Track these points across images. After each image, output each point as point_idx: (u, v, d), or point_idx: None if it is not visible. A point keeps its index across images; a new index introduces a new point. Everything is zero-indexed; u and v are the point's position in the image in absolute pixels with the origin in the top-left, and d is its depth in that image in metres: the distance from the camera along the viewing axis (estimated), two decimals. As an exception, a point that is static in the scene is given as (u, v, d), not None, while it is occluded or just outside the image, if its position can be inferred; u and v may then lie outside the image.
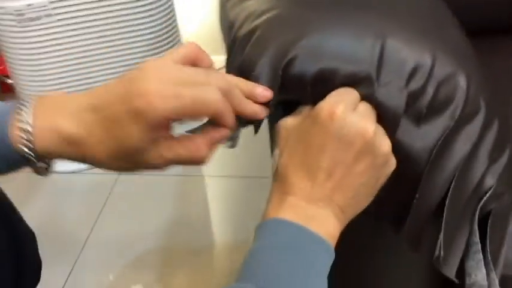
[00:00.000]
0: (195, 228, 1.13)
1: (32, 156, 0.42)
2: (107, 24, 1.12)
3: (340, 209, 0.43)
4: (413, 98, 0.44)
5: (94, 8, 1.10)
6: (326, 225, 0.42)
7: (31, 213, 0.74)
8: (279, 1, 0.51)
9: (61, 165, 1.43)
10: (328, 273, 0.41)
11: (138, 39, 1.16)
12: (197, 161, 0.43)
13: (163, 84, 0.39)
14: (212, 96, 0.41)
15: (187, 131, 0.44)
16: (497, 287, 0.47)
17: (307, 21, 0.47)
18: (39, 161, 0.42)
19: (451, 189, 0.44)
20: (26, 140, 0.41)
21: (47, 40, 1.10)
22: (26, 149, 0.41)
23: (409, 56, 0.44)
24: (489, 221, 0.48)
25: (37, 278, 0.60)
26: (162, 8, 1.15)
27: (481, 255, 0.46)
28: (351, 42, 0.44)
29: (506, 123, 0.49)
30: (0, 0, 1.05)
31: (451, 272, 0.45)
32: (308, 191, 0.42)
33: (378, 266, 0.59)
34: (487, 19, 0.80)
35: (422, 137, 0.44)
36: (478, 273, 0.46)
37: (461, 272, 0.47)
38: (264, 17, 0.49)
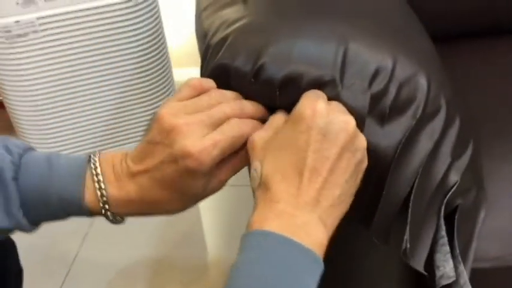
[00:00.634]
0: (186, 240, 1.13)
1: (109, 218, 0.47)
2: (94, 38, 1.14)
3: (327, 213, 0.42)
4: (376, 99, 0.46)
5: (81, 23, 1.12)
6: (314, 233, 0.41)
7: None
8: (250, 10, 0.53)
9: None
10: (317, 284, 0.40)
11: (126, 52, 1.17)
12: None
13: (196, 133, 0.43)
14: (241, 129, 0.45)
15: None
16: (466, 279, 0.48)
17: (276, 28, 0.49)
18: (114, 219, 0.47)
19: (415, 184, 0.46)
20: (103, 207, 0.46)
21: (35, 56, 1.12)
22: (102, 211, 0.46)
23: (371, 58, 0.46)
24: (456, 215, 0.50)
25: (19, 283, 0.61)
26: (148, 21, 1.18)
27: (448, 248, 0.48)
28: (315, 47, 0.46)
29: (468, 121, 0.51)
30: (-12, 18, 1.07)
31: (419, 264, 0.47)
32: (294, 195, 0.41)
33: (353, 259, 0.61)
34: (451, 25, 0.83)
35: (386, 136, 0.46)
36: (446, 265, 0.47)
37: (432, 266, 0.49)
38: (236, 25, 0.51)
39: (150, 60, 1.22)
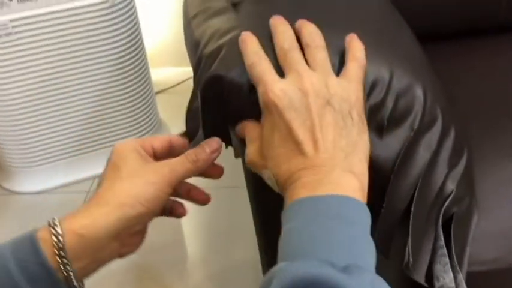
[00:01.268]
0: (170, 242, 1.12)
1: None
2: (70, 41, 1.11)
3: (345, 164, 0.42)
4: (374, 111, 0.45)
5: (56, 25, 1.09)
6: (345, 183, 0.41)
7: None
8: (240, 20, 0.52)
9: (28, 185, 1.39)
10: (369, 227, 0.41)
11: (103, 54, 1.15)
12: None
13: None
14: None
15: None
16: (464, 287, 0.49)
17: (270, 39, 0.48)
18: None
19: (415, 196, 0.46)
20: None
21: (8, 59, 1.08)
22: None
23: (368, 70, 0.45)
24: (452, 224, 0.50)
25: None
26: (125, 22, 1.15)
27: (447, 259, 0.48)
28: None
29: (462, 129, 0.51)
30: (-42, 21, 1.03)
31: (420, 276, 0.47)
32: (307, 166, 0.42)
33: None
34: (436, 24, 0.83)
35: (386, 148, 0.46)
36: (445, 276, 0.48)
37: (430, 275, 0.49)
38: (229, 36, 0.50)
39: (128, 62, 1.19)
